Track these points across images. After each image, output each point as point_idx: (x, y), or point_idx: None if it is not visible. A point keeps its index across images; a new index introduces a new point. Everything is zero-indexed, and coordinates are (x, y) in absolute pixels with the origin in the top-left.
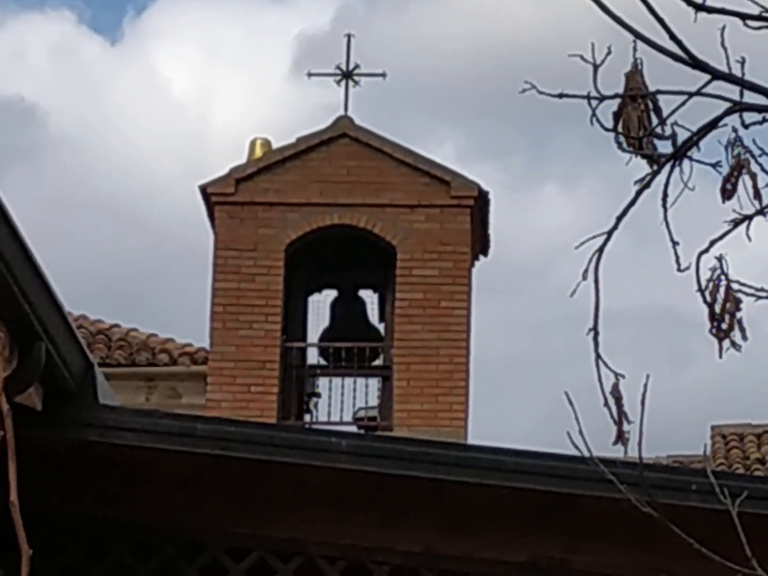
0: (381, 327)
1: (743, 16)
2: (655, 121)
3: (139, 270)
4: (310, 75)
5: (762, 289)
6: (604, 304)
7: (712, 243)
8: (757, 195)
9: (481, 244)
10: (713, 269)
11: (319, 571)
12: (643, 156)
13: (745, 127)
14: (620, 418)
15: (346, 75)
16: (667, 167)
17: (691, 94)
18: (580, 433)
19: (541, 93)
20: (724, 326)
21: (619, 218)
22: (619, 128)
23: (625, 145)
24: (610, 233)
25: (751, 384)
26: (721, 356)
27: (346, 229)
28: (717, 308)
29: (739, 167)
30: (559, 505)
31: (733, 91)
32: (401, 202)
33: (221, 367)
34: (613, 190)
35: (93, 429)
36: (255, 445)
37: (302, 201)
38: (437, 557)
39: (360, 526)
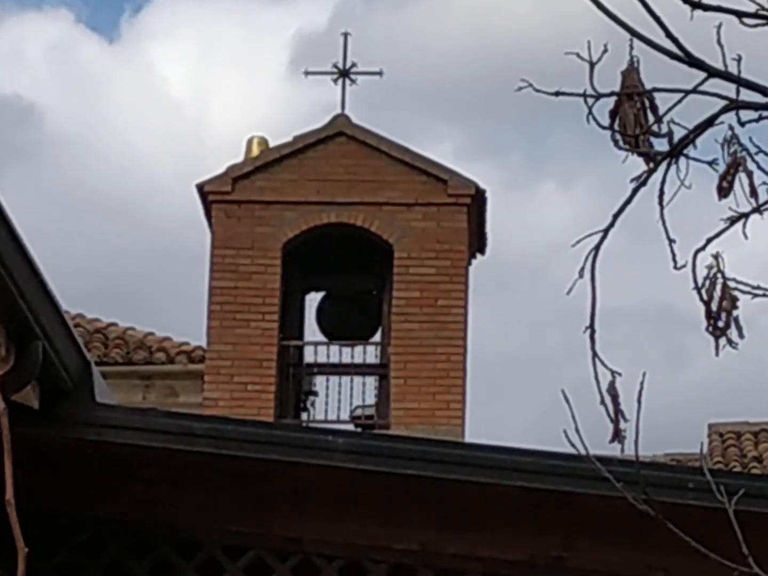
0: (378, 325)
1: (739, 14)
2: (651, 119)
3: (136, 268)
4: (307, 73)
5: (758, 287)
6: (601, 302)
7: (709, 241)
8: (754, 193)
9: (478, 243)
10: (710, 267)
11: (317, 569)
12: (640, 154)
13: (742, 124)
14: (617, 416)
15: (343, 73)
16: (664, 165)
17: (687, 92)
18: (577, 431)
19: (537, 91)
20: (720, 324)
21: (616, 216)
22: (616, 126)
23: (621, 143)
24: (606, 231)
25: (748, 382)
26: (717, 354)
27: (343, 228)
28: (713, 306)
29: (735, 165)
30: (556, 503)
31: (729, 89)
32: (398, 201)
33: (218, 365)
34: (611, 188)
35: (90, 427)
36: (252, 444)
37: (299, 199)
38: (435, 555)
39: (357, 525)
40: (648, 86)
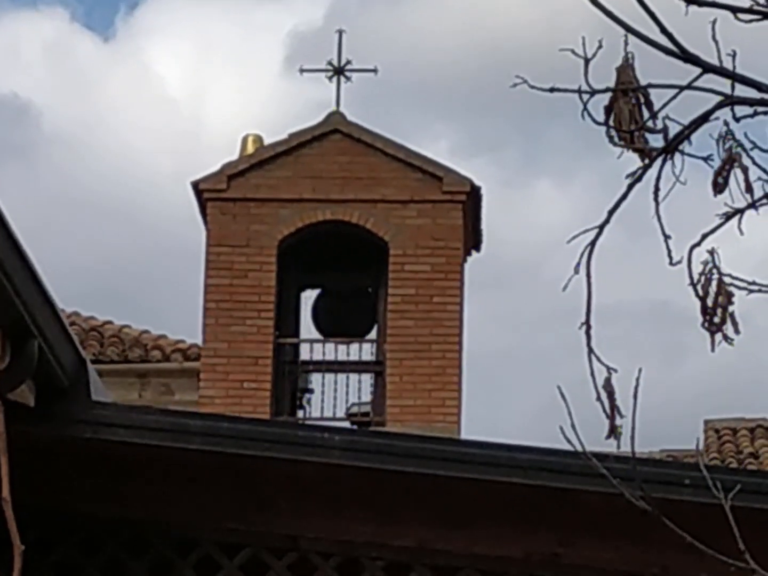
0: (374, 323)
1: (734, 9)
2: (646, 114)
3: (131, 267)
4: (302, 71)
5: (754, 283)
6: (597, 298)
7: (704, 237)
8: (749, 188)
9: (473, 240)
10: (705, 263)
11: (313, 566)
12: (635, 150)
13: (737, 120)
14: (613, 412)
15: (338, 71)
16: (659, 161)
17: (682, 88)
18: (573, 427)
19: (532, 87)
20: (716, 320)
21: (611, 212)
22: (611, 122)
23: (616, 139)
24: (601, 227)
25: (744, 378)
26: (713, 350)
27: (338, 225)
28: (709, 302)
29: (730, 161)
30: (552, 499)
31: (724, 85)
32: (393, 198)
33: (214, 363)
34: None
35: (86, 425)
36: (248, 441)
37: (294, 197)
38: (431, 552)
39: (354, 522)
40: (643, 82)
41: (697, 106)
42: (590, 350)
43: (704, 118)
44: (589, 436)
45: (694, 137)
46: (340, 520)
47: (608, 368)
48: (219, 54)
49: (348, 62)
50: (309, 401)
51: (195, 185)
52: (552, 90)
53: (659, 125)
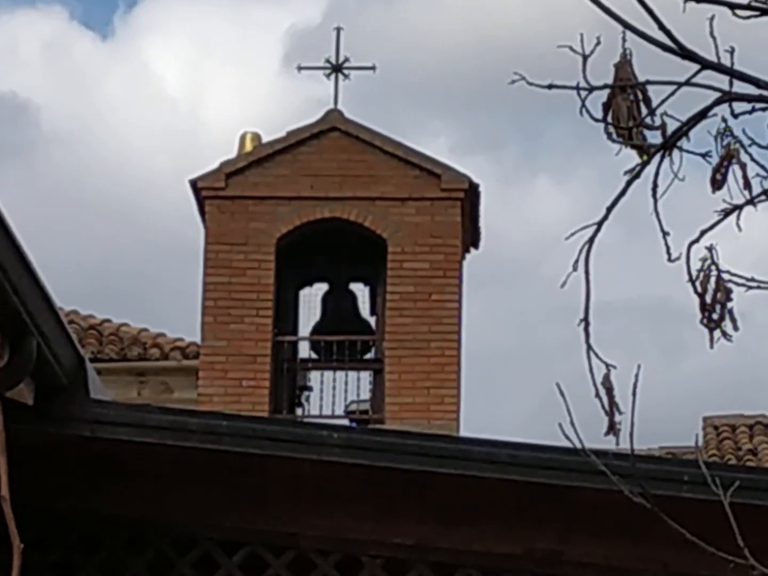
0: (372, 320)
1: (732, 6)
2: (644, 111)
3: (130, 265)
4: (300, 69)
5: (753, 279)
6: (596, 295)
7: (703, 233)
8: (747, 185)
9: (471, 237)
10: (704, 259)
11: (312, 564)
12: (633, 146)
13: (735, 116)
14: (612, 409)
15: (336, 68)
16: (657, 158)
17: (680, 84)
18: (572, 424)
19: (530, 84)
20: (715, 316)
21: (609, 209)
22: (609, 119)
23: (614, 135)
24: (600, 224)
25: (743, 375)
26: (712, 346)
27: (336, 223)
28: (708, 298)
29: (728, 157)
30: (551, 496)
31: (722, 81)
32: (392, 195)
33: (213, 361)
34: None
35: (84, 424)
36: (247, 439)
37: (293, 195)
38: (430, 550)
39: (353, 519)
40: (641, 79)
41: (696, 102)
42: (589, 347)
43: (702, 114)
44: (588, 433)
45: (692, 134)
46: (339, 517)
47: (607, 365)
48: (217, 52)
49: (346, 60)
50: (308, 399)
51: (193, 183)
52: (550, 87)
53: (657, 122)
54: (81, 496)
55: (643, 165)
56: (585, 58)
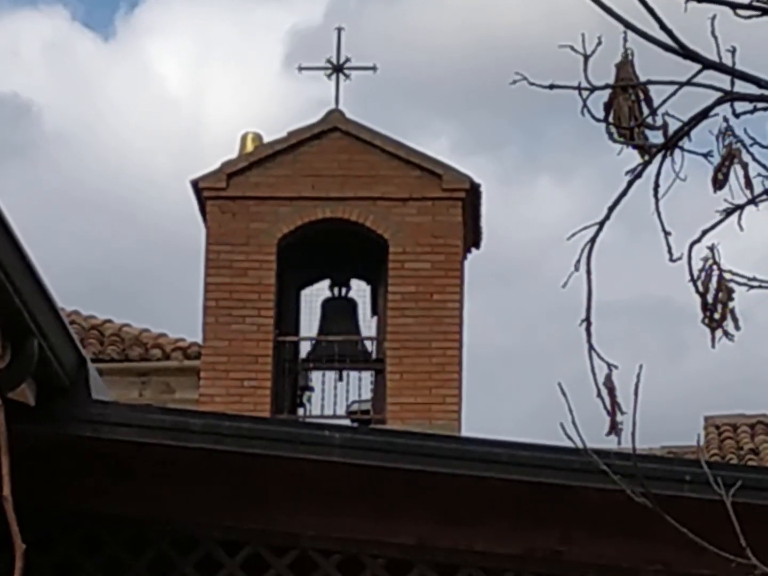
0: (374, 321)
1: (733, 5)
2: (646, 111)
3: (131, 265)
4: (301, 69)
5: (754, 279)
6: (598, 295)
7: (704, 233)
8: (749, 184)
9: (473, 237)
10: (705, 259)
11: (314, 564)
12: (635, 146)
13: (736, 116)
14: (613, 408)
15: (337, 69)
16: (659, 157)
17: (681, 84)
18: (574, 424)
19: (531, 84)
20: (716, 316)
21: (611, 209)
22: (610, 119)
23: (616, 135)
24: (601, 224)
25: (745, 374)
26: (713, 346)
27: (337, 223)
28: (709, 298)
29: (730, 157)
30: (553, 496)
31: (724, 81)
32: (393, 196)
33: (214, 361)
34: (607, 181)
35: (86, 424)
36: (248, 440)
37: (294, 195)
38: (431, 550)
39: (354, 520)
40: (642, 78)
41: (697, 102)
42: (591, 347)
43: (704, 114)
44: (589, 433)
45: (693, 133)
46: (340, 517)
47: (609, 365)
48: (219, 53)
49: (347, 60)
50: (309, 399)
51: (194, 184)
52: (551, 87)
53: (659, 122)
54: (83, 496)
55: (645, 165)
56: (586, 58)
